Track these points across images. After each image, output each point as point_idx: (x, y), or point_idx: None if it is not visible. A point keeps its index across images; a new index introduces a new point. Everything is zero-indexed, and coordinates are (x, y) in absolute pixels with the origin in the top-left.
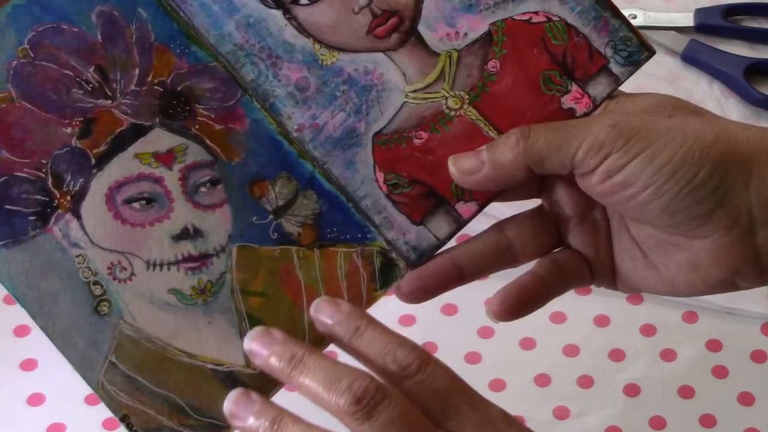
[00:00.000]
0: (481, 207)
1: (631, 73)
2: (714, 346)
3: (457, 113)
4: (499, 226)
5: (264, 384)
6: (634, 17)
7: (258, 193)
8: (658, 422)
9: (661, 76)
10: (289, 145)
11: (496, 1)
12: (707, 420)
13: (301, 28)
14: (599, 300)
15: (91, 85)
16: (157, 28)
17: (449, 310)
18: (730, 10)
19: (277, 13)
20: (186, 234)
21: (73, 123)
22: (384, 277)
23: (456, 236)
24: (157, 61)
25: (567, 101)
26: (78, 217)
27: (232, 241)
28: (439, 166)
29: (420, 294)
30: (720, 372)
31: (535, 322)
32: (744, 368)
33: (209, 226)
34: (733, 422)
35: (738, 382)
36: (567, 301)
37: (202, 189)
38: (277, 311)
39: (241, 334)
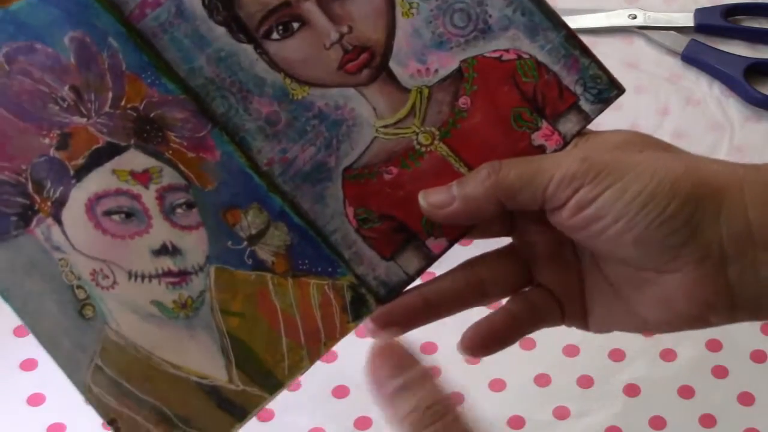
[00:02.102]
0: (451, 243)
1: (600, 111)
2: (714, 346)
3: (428, 149)
4: (470, 263)
5: (246, 401)
6: (634, 17)
7: (231, 220)
8: (658, 422)
9: (661, 76)
10: (259, 179)
11: (466, 38)
12: (707, 420)
13: (272, 63)
14: None
15: (66, 103)
16: (128, 58)
17: None
18: (730, 10)
19: (249, 48)
20: (165, 250)
21: (51, 135)
22: (355, 311)
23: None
24: (129, 88)
25: (537, 138)
26: (59, 222)
27: (210, 261)
28: (409, 201)
29: (390, 329)
30: (720, 372)
31: None
32: (744, 368)
33: (187, 245)
34: (733, 422)
35: (738, 382)
36: None
37: (179, 210)
38: (256, 333)
39: (223, 351)
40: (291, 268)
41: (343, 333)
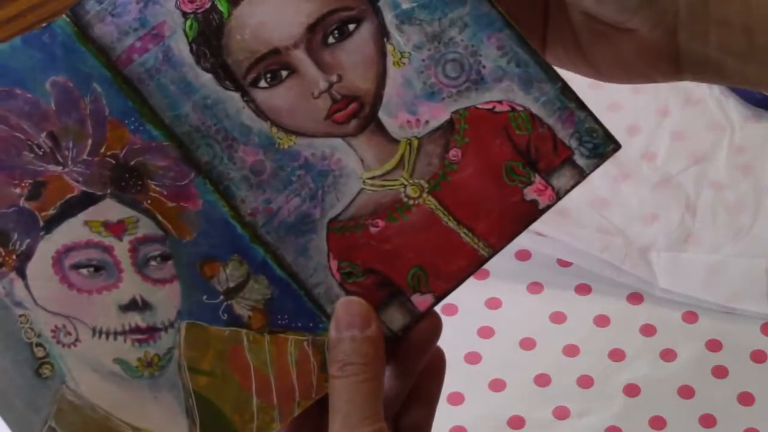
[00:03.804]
0: (438, 299)
1: (596, 166)
2: (714, 346)
3: (416, 202)
4: None
5: None
6: None
7: (209, 273)
8: (658, 422)
9: None
10: (241, 229)
11: (459, 89)
12: (707, 420)
13: (259, 111)
14: (599, 300)
15: (42, 150)
16: (112, 103)
17: (449, 310)
18: None
19: (236, 95)
20: (134, 305)
21: (22, 184)
22: None
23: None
24: (110, 135)
25: (530, 192)
26: (23, 276)
27: (181, 317)
28: (395, 255)
29: None
30: (720, 372)
31: (535, 322)
32: (744, 368)
33: (158, 300)
34: (733, 422)
35: (738, 382)
36: (567, 301)
37: (152, 263)
38: (225, 392)
39: (188, 412)
40: (268, 323)
41: (320, 392)
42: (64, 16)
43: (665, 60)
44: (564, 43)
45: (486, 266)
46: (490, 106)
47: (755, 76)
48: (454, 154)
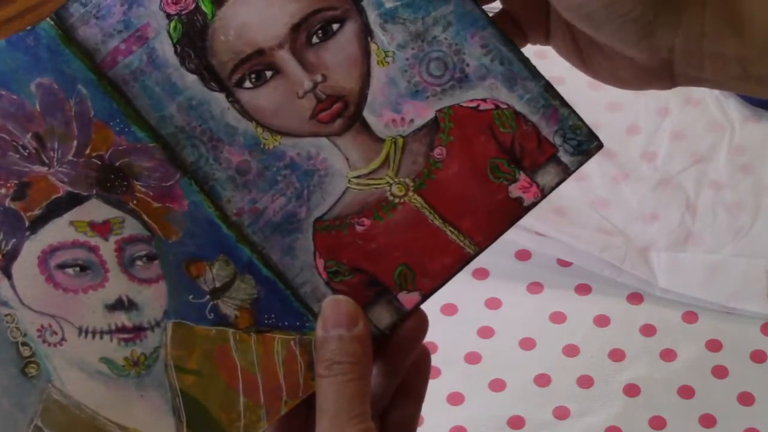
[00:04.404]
0: (425, 297)
1: (581, 163)
2: (714, 346)
3: (402, 200)
4: None
5: None
6: None
7: (195, 272)
8: (658, 422)
9: None
10: (227, 229)
11: (443, 87)
12: (707, 420)
13: (244, 112)
14: (599, 300)
15: (27, 151)
16: (97, 105)
17: (449, 310)
18: None
19: (220, 96)
20: (120, 305)
21: (8, 185)
22: None
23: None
24: (95, 136)
25: (515, 190)
26: (8, 276)
27: (168, 316)
28: (381, 253)
29: None
30: (720, 372)
31: (535, 322)
32: (744, 368)
33: (144, 299)
34: (733, 422)
35: (738, 382)
36: (567, 301)
37: (138, 263)
38: (212, 391)
39: (174, 411)
40: (255, 322)
41: (307, 391)
42: (48, 19)
43: (661, 79)
44: (564, 39)
45: (486, 266)
46: (474, 104)
47: (754, 91)
48: (439, 152)
